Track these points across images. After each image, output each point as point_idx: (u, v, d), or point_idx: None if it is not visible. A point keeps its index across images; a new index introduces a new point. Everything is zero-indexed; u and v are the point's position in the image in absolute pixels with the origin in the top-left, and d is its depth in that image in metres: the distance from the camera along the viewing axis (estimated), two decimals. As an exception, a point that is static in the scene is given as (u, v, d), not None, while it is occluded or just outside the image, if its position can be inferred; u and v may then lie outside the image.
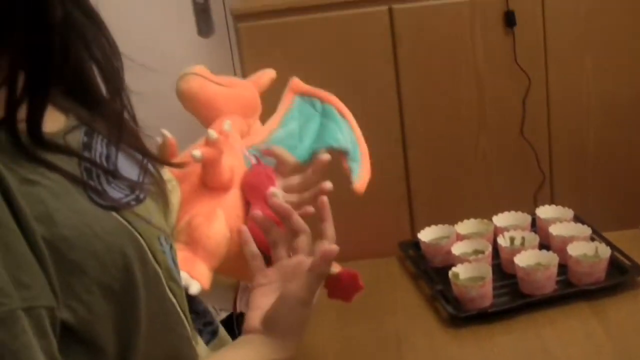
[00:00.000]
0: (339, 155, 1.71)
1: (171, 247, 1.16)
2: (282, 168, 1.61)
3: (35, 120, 0.97)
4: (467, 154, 3.07)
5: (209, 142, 1.46)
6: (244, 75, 2.98)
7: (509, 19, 2.95)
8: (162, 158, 1.31)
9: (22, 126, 0.95)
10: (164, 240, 1.13)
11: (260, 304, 1.35)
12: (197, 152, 1.44)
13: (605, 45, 3.02)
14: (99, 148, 1.09)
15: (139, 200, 1.09)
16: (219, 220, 1.49)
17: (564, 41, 3.01)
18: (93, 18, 1.05)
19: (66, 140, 1.04)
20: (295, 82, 1.84)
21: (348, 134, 1.76)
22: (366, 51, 2.98)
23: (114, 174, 1.07)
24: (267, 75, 1.86)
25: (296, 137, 1.73)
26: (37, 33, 0.94)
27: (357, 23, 2.97)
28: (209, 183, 1.52)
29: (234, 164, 1.56)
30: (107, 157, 1.09)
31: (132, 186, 1.10)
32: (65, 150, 1.02)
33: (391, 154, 3.01)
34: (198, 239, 1.46)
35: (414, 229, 2.88)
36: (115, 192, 1.06)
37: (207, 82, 1.63)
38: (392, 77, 2.99)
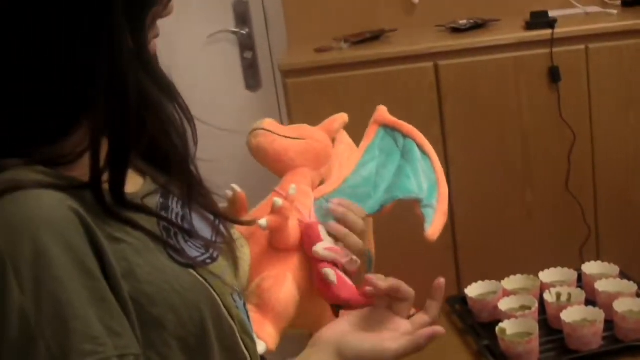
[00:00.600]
0: (411, 203, 1.68)
1: (244, 303, 1.22)
2: (348, 225, 1.60)
3: (117, 183, 1.04)
4: (513, 208, 3.09)
5: (275, 209, 1.47)
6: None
7: (554, 75, 2.98)
8: (231, 216, 1.35)
9: (105, 187, 1.02)
10: (237, 296, 1.18)
11: (343, 325, 1.31)
12: (264, 222, 1.45)
13: (650, 100, 3.03)
14: (175, 209, 1.15)
15: (213, 259, 1.15)
16: (288, 283, 1.50)
17: (608, 96, 3.03)
18: (169, 91, 1.10)
19: (145, 201, 1.11)
20: (381, 111, 1.82)
21: (427, 172, 1.72)
22: (412, 107, 3.01)
23: (190, 233, 1.13)
24: (339, 120, 1.82)
25: (371, 184, 1.70)
26: (116, 107, 1.01)
27: (404, 79, 3.02)
28: (276, 246, 1.53)
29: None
30: (183, 217, 1.15)
31: (207, 245, 1.15)
32: (145, 210, 1.08)
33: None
34: (268, 302, 1.49)
35: (460, 284, 2.90)
36: (192, 251, 1.12)
37: (275, 137, 1.61)
38: (438, 132, 3.02)
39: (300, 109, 3.04)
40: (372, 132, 1.78)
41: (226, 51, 3.60)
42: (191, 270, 1.08)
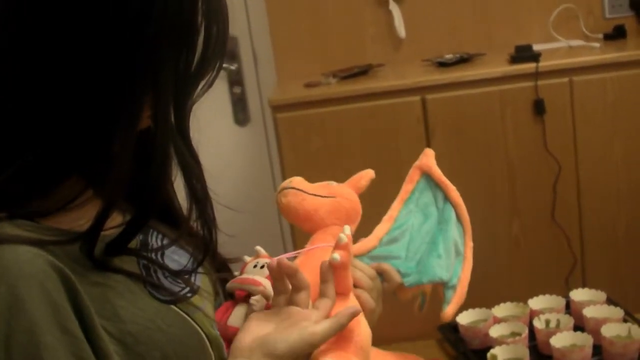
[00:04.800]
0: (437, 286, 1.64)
1: None
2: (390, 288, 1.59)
3: (125, 241, 1.07)
4: (501, 238, 3.13)
5: (341, 245, 1.37)
6: (282, 163, 3.08)
7: (539, 107, 3.04)
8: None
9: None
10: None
11: (254, 329, 1.24)
12: (337, 256, 1.34)
13: (634, 131, 3.09)
14: (155, 244, 1.18)
15: (194, 291, 1.17)
16: (364, 322, 1.41)
17: (593, 128, 3.09)
18: (198, 163, 1.13)
19: None
20: (428, 157, 1.71)
21: (458, 243, 1.66)
22: (400, 140, 3.07)
23: (169, 270, 1.15)
24: (366, 177, 1.69)
25: (404, 248, 1.63)
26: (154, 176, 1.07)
27: (392, 113, 3.08)
28: (340, 289, 1.40)
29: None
30: (162, 254, 1.17)
31: (185, 281, 1.17)
32: (127, 252, 1.10)
33: (426, 239, 3.07)
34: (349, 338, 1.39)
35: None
36: (173, 286, 1.14)
37: (305, 195, 1.53)
38: (426, 164, 3.06)
39: (290, 142, 3.09)
40: (414, 178, 1.70)
41: (215, 86, 3.61)
42: (172, 306, 1.10)
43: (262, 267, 1.33)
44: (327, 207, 1.52)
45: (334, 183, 1.58)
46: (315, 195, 1.51)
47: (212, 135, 3.62)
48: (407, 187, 1.67)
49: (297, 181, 1.55)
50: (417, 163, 1.69)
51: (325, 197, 1.51)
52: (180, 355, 1.08)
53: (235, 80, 3.68)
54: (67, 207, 1.03)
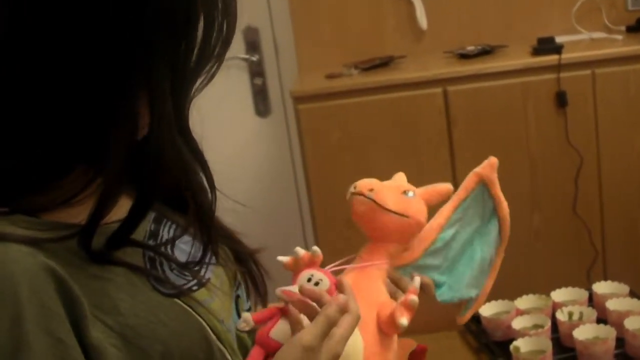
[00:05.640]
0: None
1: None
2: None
3: (126, 233, 1.05)
4: (522, 231, 3.12)
5: (411, 307, 1.31)
6: (303, 154, 3.08)
7: (561, 99, 3.04)
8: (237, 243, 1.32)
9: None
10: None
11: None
12: (404, 322, 1.29)
13: (656, 124, 3.08)
14: (166, 235, 1.16)
15: (200, 285, 1.14)
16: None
17: (615, 120, 3.09)
18: (201, 157, 1.11)
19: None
20: (491, 166, 1.58)
21: (494, 256, 1.58)
22: (422, 132, 3.07)
23: (176, 262, 1.13)
24: (442, 191, 1.53)
25: (441, 262, 1.54)
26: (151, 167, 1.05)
27: (413, 104, 3.07)
28: (386, 331, 1.37)
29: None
30: (173, 245, 1.15)
31: (193, 274, 1.14)
32: (132, 244, 1.08)
33: (447, 231, 3.07)
34: None
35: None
36: (178, 279, 1.12)
37: (380, 209, 1.42)
38: (447, 156, 3.08)
39: (311, 134, 3.10)
40: (470, 186, 1.57)
41: (236, 77, 3.65)
42: (176, 300, 1.08)
43: (317, 284, 1.25)
44: (396, 226, 1.42)
45: (410, 193, 1.46)
46: (390, 211, 1.41)
47: (234, 127, 3.63)
48: (460, 194, 1.56)
49: (377, 188, 1.43)
50: (477, 170, 1.57)
51: (399, 215, 1.41)
52: (183, 349, 1.06)
53: (257, 71, 3.68)
54: (69, 202, 1.01)
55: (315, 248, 1.28)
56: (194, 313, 1.10)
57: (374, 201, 1.41)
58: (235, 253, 1.29)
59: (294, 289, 1.20)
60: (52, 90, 0.97)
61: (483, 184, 1.56)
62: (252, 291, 1.32)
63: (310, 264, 1.29)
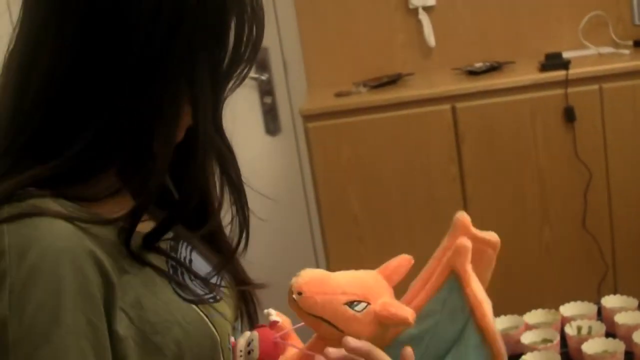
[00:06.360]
0: None
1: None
2: None
3: (159, 234, 1.11)
4: (532, 246, 3.13)
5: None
6: (313, 172, 3.10)
7: (569, 115, 3.05)
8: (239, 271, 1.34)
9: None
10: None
11: None
12: None
13: (665, 137, 3.09)
14: (184, 252, 1.20)
15: (216, 300, 1.18)
16: None
17: (623, 135, 3.10)
18: (233, 157, 1.18)
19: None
20: (458, 251, 1.25)
21: None
22: (431, 148, 3.09)
23: (195, 274, 1.17)
24: (401, 266, 1.28)
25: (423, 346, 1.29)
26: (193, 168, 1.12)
27: (422, 121, 3.09)
28: None
29: None
30: (190, 261, 1.19)
31: (211, 288, 1.19)
32: (158, 250, 1.13)
33: (457, 247, 3.08)
34: None
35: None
36: (197, 289, 1.16)
37: (305, 314, 1.19)
38: (457, 172, 3.09)
39: (321, 152, 3.11)
40: (442, 277, 1.27)
41: (246, 96, 3.67)
42: (194, 306, 1.12)
43: (250, 352, 1.21)
44: (329, 333, 1.21)
45: (360, 306, 1.19)
46: (317, 317, 1.20)
47: (244, 146, 3.64)
48: (432, 288, 1.28)
49: (308, 290, 1.20)
50: (445, 259, 1.27)
51: (330, 324, 1.19)
52: (195, 353, 1.10)
53: (266, 90, 3.71)
54: (104, 199, 1.07)
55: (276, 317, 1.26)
56: (208, 322, 1.13)
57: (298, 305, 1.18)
58: (238, 282, 1.32)
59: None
60: (110, 91, 1.04)
61: (455, 277, 1.25)
62: (244, 318, 1.34)
63: (276, 328, 1.24)
